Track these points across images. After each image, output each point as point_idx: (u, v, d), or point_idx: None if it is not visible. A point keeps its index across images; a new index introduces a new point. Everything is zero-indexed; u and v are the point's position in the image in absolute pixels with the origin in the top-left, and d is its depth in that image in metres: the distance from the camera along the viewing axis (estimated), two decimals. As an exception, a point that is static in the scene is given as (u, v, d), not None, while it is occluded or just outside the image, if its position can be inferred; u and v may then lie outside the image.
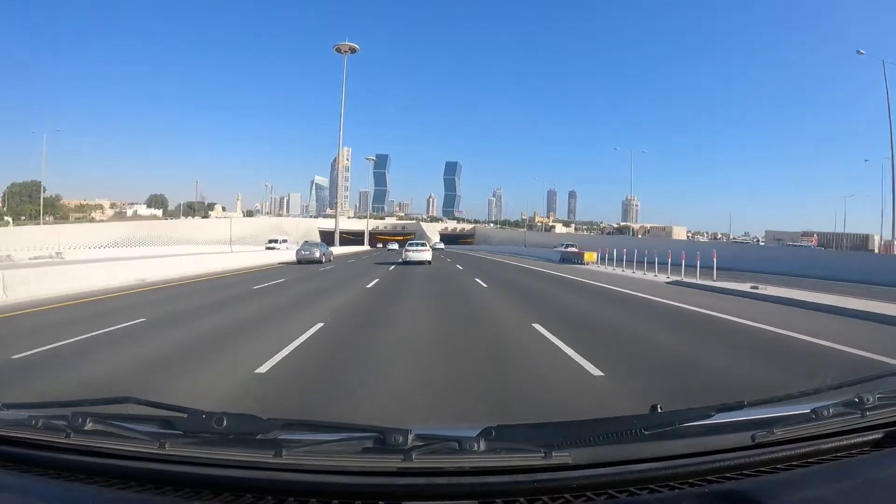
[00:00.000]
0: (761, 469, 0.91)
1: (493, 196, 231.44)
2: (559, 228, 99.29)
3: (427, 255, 19.25)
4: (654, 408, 1.02)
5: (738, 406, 1.03)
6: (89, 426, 0.93)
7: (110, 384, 3.10)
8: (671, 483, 0.86)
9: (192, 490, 0.85)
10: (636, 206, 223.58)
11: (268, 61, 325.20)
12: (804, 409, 1.02)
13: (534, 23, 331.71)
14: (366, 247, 73.51)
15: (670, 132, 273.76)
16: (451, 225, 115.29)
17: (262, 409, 2.49)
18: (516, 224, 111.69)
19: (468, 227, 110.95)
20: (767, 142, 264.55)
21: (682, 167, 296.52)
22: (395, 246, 73.56)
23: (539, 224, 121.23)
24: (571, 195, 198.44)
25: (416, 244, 21.09)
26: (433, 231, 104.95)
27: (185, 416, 0.97)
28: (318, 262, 18.23)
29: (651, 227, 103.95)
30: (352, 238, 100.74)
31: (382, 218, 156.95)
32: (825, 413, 0.99)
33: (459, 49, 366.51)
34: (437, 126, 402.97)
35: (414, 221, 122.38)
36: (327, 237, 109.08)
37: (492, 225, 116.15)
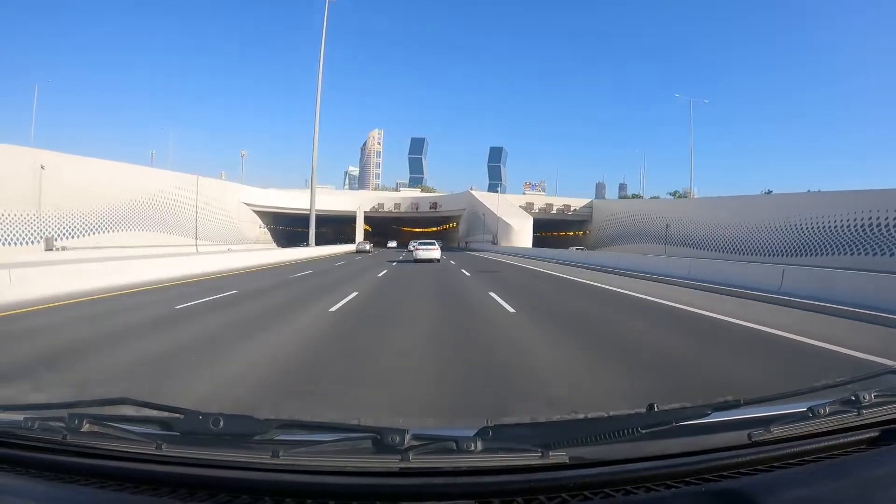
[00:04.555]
0: (758, 467, 1.05)
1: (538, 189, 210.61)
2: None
3: (436, 254, 25.77)
4: (650, 407, 1.18)
5: (735, 404, 1.19)
6: (86, 427, 1.09)
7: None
8: (668, 482, 1.00)
9: (189, 491, 0.98)
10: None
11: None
12: (800, 407, 1.18)
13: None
14: (345, 247, 48.44)
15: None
16: (539, 199, 76.83)
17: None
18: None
19: (577, 203, 72.61)
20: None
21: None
22: (394, 244, 62.14)
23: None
24: (622, 187, 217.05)
25: (427, 243, 27.75)
26: (511, 210, 63.11)
27: (182, 416, 1.15)
28: (368, 252, 41.06)
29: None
30: (344, 227, 72.93)
31: (397, 190, 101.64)
32: (822, 411, 1.15)
33: (498, 34, 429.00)
34: (479, 113, 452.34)
35: (463, 192, 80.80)
36: (279, 227, 70.15)
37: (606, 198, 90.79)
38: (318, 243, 42.38)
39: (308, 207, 68.80)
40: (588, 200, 71.46)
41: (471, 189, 75.97)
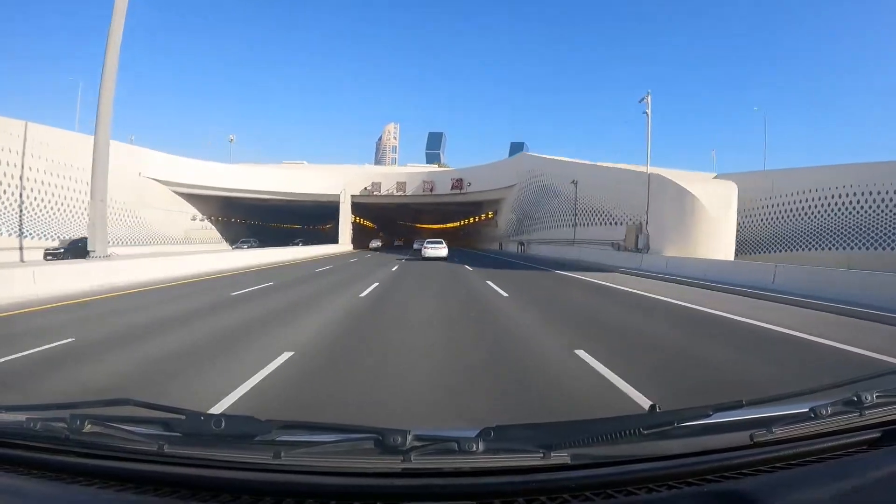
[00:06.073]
0: (760, 468, 1.10)
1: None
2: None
3: (443, 252, 29.33)
4: (652, 407, 1.23)
5: (737, 405, 1.25)
6: (87, 428, 1.13)
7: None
8: (669, 482, 1.05)
9: (191, 491, 1.03)
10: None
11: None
12: (802, 408, 1.23)
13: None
14: (298, 251, 34.93)
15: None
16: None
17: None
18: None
19: (699, 179, 30.15)
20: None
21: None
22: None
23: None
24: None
25: (434, 242, 30.28)
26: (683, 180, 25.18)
27: (183, 417, 1.20)
28: (378, 250, 47.63)
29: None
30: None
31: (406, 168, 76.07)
32: (823, 412, 1.20)
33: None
34: (499, 108, 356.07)
35: (513, 158, 54.14)
36: (232, 220, 49.81)
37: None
38: (314, 242, 39.17)
39: (286, 191, 45.97)
40: (715, 176, 34.71)
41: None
